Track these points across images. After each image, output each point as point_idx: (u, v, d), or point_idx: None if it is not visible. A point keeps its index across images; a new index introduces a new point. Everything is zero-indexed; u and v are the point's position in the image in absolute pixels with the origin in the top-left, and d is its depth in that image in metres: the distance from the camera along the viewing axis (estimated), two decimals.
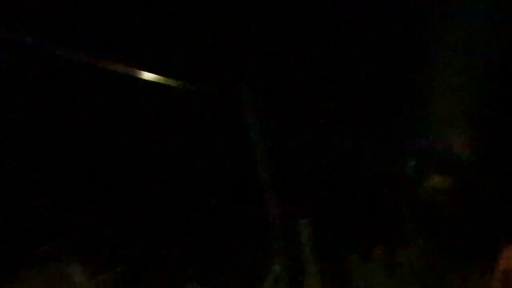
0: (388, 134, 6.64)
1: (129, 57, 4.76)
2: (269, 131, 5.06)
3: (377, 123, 6.40)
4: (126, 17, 4.98)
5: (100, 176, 4.91)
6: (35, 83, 4.62)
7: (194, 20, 5.11)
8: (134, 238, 4.93)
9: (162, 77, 4.89)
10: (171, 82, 4.97)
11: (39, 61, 4.39)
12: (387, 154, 6.82)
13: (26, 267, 4.39)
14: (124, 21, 4.98)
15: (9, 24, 3.96)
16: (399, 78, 6.11)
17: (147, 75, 4.83)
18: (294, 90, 5.53)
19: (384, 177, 6.75)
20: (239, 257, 5.42)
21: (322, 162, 5.94)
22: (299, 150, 5.78)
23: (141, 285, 4.94)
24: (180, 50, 5.21)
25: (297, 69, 5.50)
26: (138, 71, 4.75)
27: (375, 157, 6.78)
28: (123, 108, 5.01)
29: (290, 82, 5.48)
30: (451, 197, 7.40)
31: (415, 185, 7.27)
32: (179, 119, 5.22)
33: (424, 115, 6.77)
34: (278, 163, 5.23)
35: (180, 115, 5.19)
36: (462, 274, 6.00)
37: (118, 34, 4.91)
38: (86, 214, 4.77)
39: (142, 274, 4.96)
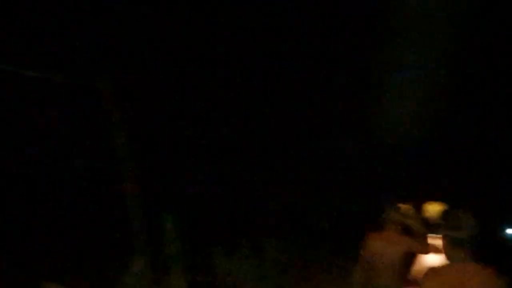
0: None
1: None
2: (130, 124, 5.02)
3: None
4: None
5: None
6: None
7: (57, 17, 5.02)
8: None
9: (24, 70, 4.77)
10: (34, 74, 4.84)
11: None
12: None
13: None
14: None
15: None
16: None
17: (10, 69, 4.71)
18: (153, 84, 5.55)
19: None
20: (99, 253, 5.27)
21: (179, 156, 6.01)
22: (154, 142, 5.78)
23: None
24: (44, 44, 5.10)
25: (155, 64, 5.55)
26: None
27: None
28: None
29: (150, 76, 5.49)
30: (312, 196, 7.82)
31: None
32: (39, 110, 5.07)
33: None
34: (139, 156, 5.20)
35: (41, 106, 5.04)
36: (326, 264, 6.31)
37: None
38: None
39: None
